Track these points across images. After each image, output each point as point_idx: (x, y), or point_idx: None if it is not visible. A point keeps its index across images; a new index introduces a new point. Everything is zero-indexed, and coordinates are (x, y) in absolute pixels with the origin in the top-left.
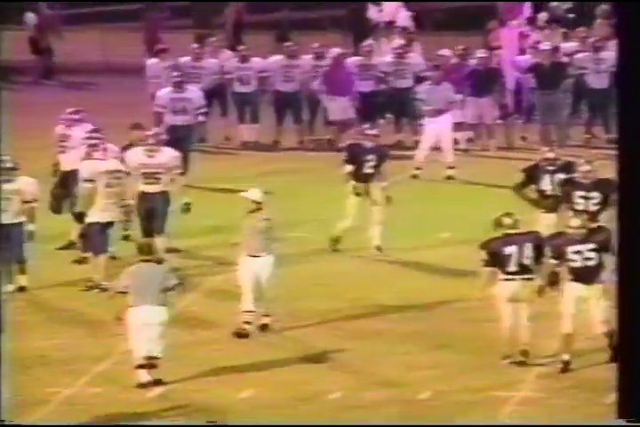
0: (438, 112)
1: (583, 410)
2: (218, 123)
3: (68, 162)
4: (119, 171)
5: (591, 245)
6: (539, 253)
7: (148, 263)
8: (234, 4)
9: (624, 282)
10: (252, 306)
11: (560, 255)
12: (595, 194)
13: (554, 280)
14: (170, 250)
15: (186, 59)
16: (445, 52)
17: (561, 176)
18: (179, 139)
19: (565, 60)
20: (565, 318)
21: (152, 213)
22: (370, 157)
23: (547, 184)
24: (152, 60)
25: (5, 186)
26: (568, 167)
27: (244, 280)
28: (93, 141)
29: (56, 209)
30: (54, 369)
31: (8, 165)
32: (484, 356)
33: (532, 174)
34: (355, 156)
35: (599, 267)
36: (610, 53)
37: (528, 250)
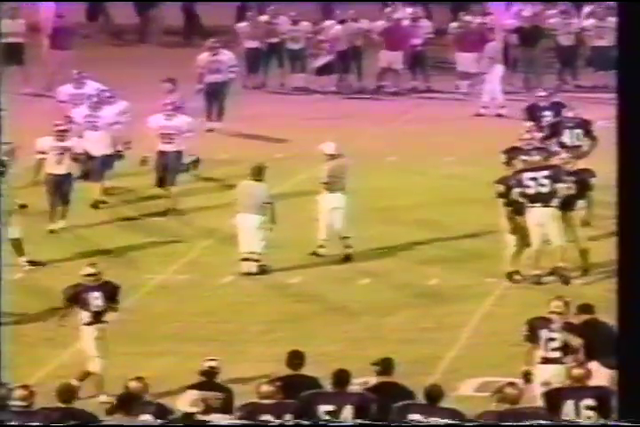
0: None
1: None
2: (275, 71)
3: (81, 115)
4: None
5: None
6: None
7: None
8: None
9: (624, 279)
10: (325, 235)
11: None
12: (535, 158)
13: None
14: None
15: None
16: (469, 18)
17: (578, 131)
18: (215, 92)
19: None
20: (533, 238)
21: (166, 167)
22: (546, 112)
23: (567, 137)
24: (243, 24)
25: (59, 144)
26: (585, 124)
27: (322, 213)
28: (109, 94)
29: None
30: (149, 260)
31: (61, 128)
32: (480, 256)
33: (555, 129)
34: (532, 113)
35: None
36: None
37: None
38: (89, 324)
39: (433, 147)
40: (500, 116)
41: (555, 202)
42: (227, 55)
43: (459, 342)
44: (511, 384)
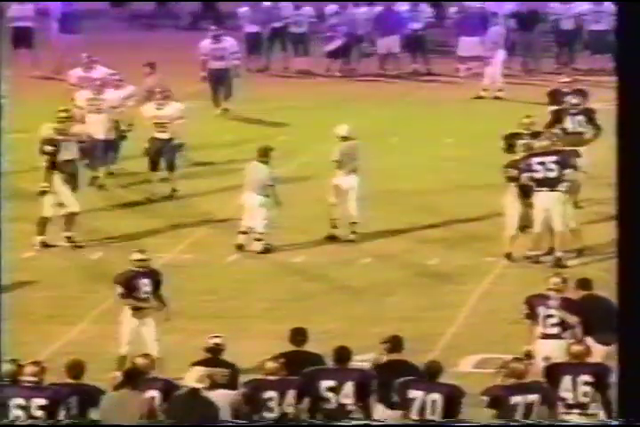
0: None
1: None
2: (278, 55)
3: (84, 98)
4: None
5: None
6: None
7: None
8: None
9: (624, 260)
10: (336, 215)
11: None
12: (534, 141)
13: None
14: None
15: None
16: (468, 3)
17: (580, 118)
18: (219, 78)
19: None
20: (535, 222)
21: (159, 154)
22: (568, 98)
23: (569, 123)
24: (245, 9)
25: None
26: (588, 111)
27: (332, 196)
28: (117, 77)
29: None
30: (154, 241)
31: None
32: (479, 236)
33: (558, 115)
34: (554, 98)
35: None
36: (578, 3)
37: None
38: (134, 310)
39: (433, 129)
40: (497, 98)
41: (561, 187)
42: (229, 42)
43: (458, 320)
44: (517, 359)
